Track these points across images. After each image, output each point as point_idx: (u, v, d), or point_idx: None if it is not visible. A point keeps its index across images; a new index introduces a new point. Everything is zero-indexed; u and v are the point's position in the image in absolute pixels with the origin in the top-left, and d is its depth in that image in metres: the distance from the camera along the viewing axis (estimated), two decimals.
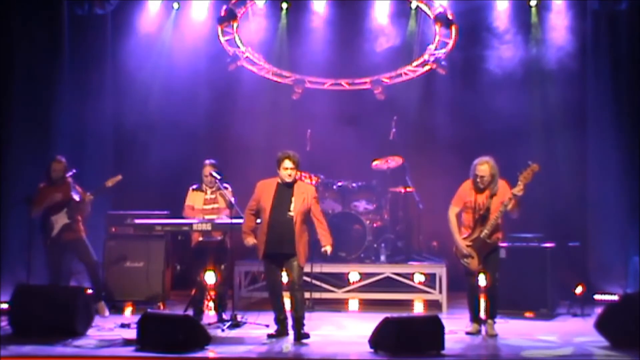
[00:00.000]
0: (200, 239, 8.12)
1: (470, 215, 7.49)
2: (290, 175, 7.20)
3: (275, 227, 7.15)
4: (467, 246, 7.43)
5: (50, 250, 8.42)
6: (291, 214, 7.16)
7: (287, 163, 7.21)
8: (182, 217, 8.14)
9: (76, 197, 8.48)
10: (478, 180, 7.42)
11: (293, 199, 7.20)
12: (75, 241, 8.49)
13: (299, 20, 10.98)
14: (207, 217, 8.04)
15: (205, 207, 8.17)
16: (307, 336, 7.15)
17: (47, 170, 8.51)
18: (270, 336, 7.27)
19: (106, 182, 8.49)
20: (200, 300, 8.09)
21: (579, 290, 8.86)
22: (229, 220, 7.82)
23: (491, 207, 7.38)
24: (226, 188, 8.17)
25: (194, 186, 8.29)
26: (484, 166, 7.40)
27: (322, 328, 7.75)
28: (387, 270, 9.20)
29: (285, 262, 7.23)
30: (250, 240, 7.31)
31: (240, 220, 7.59)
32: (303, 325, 7.19)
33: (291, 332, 7.26)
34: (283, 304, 7.35)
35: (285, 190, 7.24)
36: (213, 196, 8.20)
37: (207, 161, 8.22)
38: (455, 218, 7.53)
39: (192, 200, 8.21)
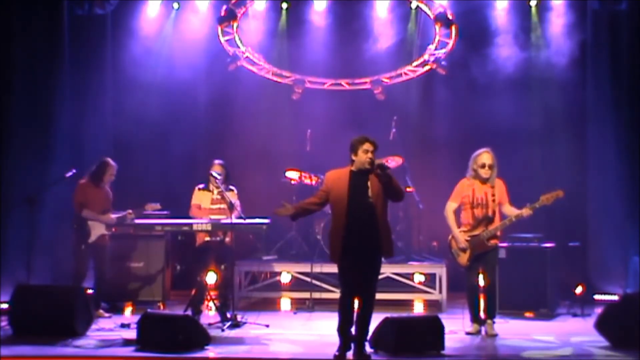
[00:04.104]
0: (207, 238, 8.11)
1: (469, 212, 7.51)
2: (371, 160, 6.41)
3: (355, 216, 6.38)
4: (466, 240, 7.47)
5: (85, 254, 8.37)
6: (370, 200, 6.43)
7: (368, 145, 6.44)
8: (189, 217, 8.11)
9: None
10: (486, 168, 7.45)
11: (369, 183, 6.45)
12: (102, 247, 8.51)
13: (299, 20, 10.97)
14: (213, 216, 8.03)
15: (212, 206, 8.16)
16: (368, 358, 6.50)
17: (100, 170, 8.44)
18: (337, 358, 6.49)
19: (146, 205, 8.53)
20: (200, 300, 8.09)
21: (579, 290, 8.88)
22: (229, 220, 7.79)
23: (489, 201, 7.40)
24: (231, 190, 8.17)
25: (201, 186, 8.28)
26: (487, 154, 7.50)
27: (322, 328, 7.75)
28: (387, 270, 9.17)
29: (366, 261, 6.47)
30: (284, 210, 6.58)
31: (243, 222, 7.56)
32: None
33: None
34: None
35: (360, 176, 6.46)
36: (220, 196, 8.19)
37: (216, 161, 8.24)
38: (453, 215, 7.57)
39: (199, 200, 8.20)
